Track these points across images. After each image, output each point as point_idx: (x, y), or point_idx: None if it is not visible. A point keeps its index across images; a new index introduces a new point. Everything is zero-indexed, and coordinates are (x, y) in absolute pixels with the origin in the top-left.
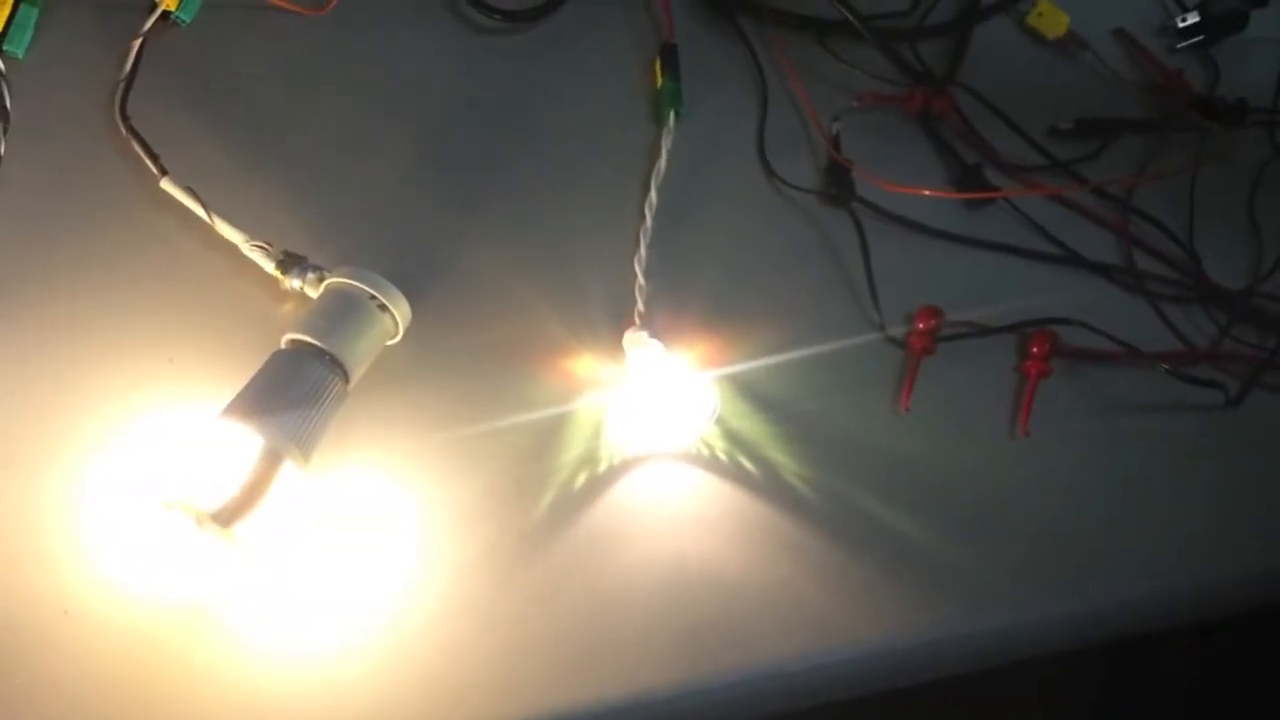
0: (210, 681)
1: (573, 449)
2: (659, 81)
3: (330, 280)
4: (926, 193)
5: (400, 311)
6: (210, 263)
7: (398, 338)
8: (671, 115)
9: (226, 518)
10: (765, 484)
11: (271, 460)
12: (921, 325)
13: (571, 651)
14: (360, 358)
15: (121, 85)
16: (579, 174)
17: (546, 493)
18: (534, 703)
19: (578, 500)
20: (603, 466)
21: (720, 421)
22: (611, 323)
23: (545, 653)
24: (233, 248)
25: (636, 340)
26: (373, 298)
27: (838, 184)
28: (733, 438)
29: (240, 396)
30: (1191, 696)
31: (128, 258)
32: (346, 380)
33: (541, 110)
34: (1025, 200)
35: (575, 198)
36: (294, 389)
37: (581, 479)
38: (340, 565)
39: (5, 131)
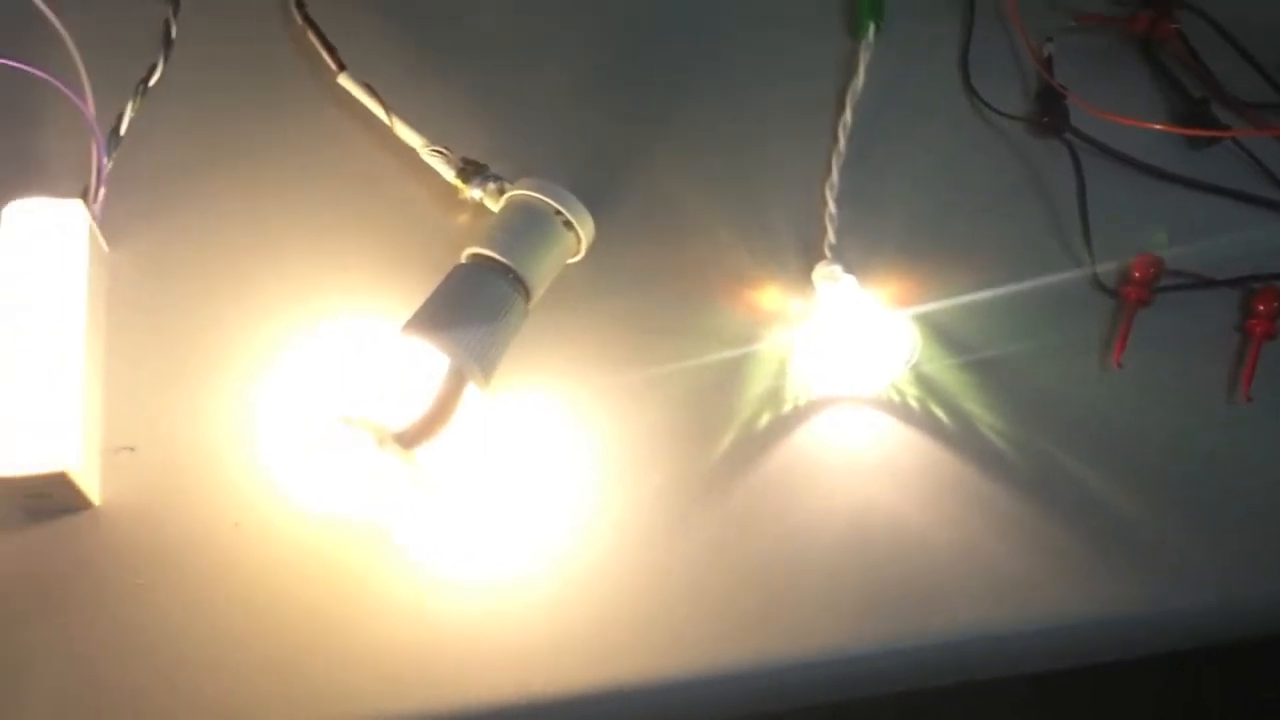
0: (384, 604)
1: (756, 387)
2: None
3: (513, 192)
4: (1157, 127)
5: (585, 229)
6: (386, 166)
7: (579, 256)
8: (870, 28)
9: (410, 439)
10: (959, 436)
11: (457, 381)
12: (1139, 274)
13: (749, 604)
14: (543, 276)
15: None
16: (768, 90)
17: (726, 433)
18: (706, 658)
19: (759, 443)
20: (787, 408)
21: (913, 365)
22: (800, 252)
23: (721, 603)
24: (409, 151)
25: (827, 274)
26: (558, 213)
27: (1050, 111)
28: (925, 384)
29: (423, 311)
30: None
31: (302, 154)
32: (528, 299)
33: (729, 20)
34: (1253, 141)
35: (763, 115)
36: (478, 307)
37: (764, 420)
38: (513, 495)
39: (176, 13)
